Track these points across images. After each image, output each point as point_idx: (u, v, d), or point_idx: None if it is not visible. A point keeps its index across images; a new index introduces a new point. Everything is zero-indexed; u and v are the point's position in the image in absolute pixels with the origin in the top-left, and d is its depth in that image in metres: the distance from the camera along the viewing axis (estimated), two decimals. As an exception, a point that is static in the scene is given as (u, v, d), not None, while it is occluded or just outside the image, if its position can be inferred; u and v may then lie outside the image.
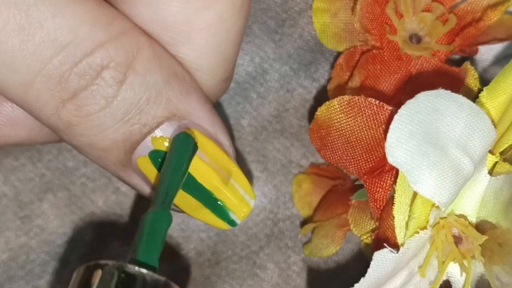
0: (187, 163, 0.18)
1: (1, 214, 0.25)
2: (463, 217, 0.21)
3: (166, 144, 0.18)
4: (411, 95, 0.19)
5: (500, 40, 0.23)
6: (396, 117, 0.18)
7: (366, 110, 0.20)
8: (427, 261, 0.20)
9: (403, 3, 0.23)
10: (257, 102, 0.26)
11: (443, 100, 0.19)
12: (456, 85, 0.22)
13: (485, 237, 0.20)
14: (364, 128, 0.20)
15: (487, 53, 0.25)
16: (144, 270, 0.17)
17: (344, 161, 0.21)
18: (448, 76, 0.22)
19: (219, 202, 0.19)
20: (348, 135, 0.20)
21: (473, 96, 0.21)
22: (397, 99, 0.22)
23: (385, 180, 0.20)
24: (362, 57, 0.23)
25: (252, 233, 0.26)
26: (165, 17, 0.18)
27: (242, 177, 0.19)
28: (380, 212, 0.20)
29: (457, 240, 0.21)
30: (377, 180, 0.20)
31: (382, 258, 0.19)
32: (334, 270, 0.26)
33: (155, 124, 0.18)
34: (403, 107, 0.18)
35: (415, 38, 0.23)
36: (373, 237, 0.21)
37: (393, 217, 0.19)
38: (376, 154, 0.20)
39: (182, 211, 0.20)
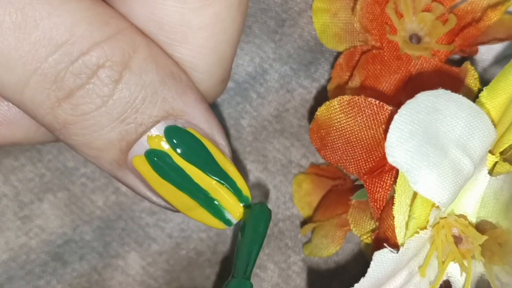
0: (264, 233, 0.20)
1: (1, 214, 0.25)
2: (463, 217, 0.21)
3: (162, 143, 0.18)
4: (411, 95, 0.19)
5: (500, 40, 0.23)
6: (396, 117, 0.18)
7: (366, 110, 0.20)
8: (427, 261, 0.20)
9: (403, 3, 0.23)
10: (257, 102, 0.26)
11: (443, 100, 0.19)
12: (456, 85, 0.22)
13: (485, 237, 0.20)
14: (364, 128, 0.20)
15: (487, 53, 0.25)
16: None
17: (344, 161, 0.21)
18: (448, 76, 0.22)
19: (215, 202, 0.19)
20: (348, 135, 0.20)
21: (473, 96, 0.21)
22: (397, 99, 0.22)
23: (385, 180, 0.20)
24: (362, 57, 0.23)
25: (253, 233, 0.26)
26: (162, 17, 0.18)
27: (238, 177, 0.19)
28: (380, 212, 0.20)
29: (457, 240, 0.21)
30: (377, 180, 0.20)
31: (382, 258, 0.19)
32: (334, 270, 0.26)
33: (151, 124, 0.18)
34: (403, 107, 0.18)
35: (415, 38, 0.23)
36: (373, 237, 0.21)
37: (393, 217, 0.19)
38: (376, 154, 0.20)
39: (178, 211, 0.20)
